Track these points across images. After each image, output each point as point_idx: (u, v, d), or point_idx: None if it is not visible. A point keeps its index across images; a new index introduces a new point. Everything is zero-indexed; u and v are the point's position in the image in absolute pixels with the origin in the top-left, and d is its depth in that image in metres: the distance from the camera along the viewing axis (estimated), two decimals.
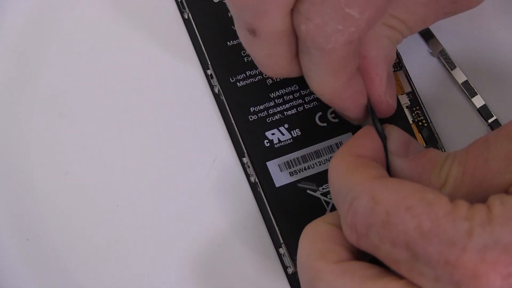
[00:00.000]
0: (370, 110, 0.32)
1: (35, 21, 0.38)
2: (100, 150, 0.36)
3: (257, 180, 0.34)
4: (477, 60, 0.37)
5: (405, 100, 0.36)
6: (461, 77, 0.36)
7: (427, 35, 0.37)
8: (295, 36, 0.30)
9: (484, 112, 0.36)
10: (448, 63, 0.36)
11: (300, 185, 0.33)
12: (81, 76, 0.37)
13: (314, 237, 0.29)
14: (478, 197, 0.27)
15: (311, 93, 0.35)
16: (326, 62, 0.29)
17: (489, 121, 0.36)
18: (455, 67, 0.36)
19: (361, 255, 0.28)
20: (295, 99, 0.35)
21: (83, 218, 0.35)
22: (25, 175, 0.36)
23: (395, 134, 0.32)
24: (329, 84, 0.31)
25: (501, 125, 0.35)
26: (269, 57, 0.31)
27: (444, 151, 0.35)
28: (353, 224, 0.27)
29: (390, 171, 0.31)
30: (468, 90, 0.36)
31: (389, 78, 0.33)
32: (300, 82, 0.35)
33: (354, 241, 0.27)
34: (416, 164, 0.30)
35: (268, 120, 0.35)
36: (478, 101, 0.36)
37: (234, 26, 0.36)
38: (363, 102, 0.32)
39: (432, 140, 0.35)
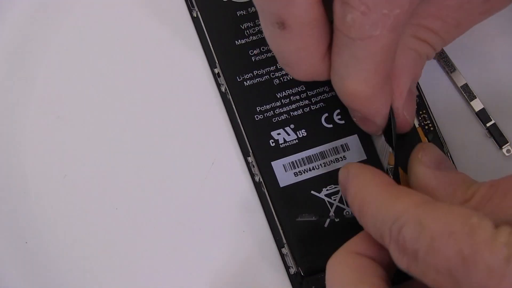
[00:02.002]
0: (391, 118, 0.32)
1: (33, 22, 0.38)
2: (99, 153, 0.36)
3: (261, 179, 0.34)
4: (477, 64, 0.37)
5: None
6: (460, 80, 0.36)
7: None
8: (327, 29, 0.30)
9: (483, 115, 0.36)
10: (448, 65, 0.36)
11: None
12: (80, 78, 0.37)
13: (346, 270, 0.28)
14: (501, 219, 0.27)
15: (318, 94, 0.35)
16: (370, 54, 0.29)
17: (487, 125, 0.36)
18: (454, 70, 0.36)
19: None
20: (301, 99, 0.35)
21: (81, 221, 0.35)
22: (23, 178, 0.36)
23: (431, 148, 0.32)
24: (368, 82, 0.30)
25: (499, 129, 0.36)
26: (299, 52, 0.30)
27: (450, 155, 0.35)
28: (403, 249, 0.26)
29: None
30: (467, 93, 0.36)
31: (410, 94, 0.33)
32: (307, 83, 0.35)
33: (404, 266, 0.27)
34: (445, 177, 0.30)
35: (274, 120, 0.35)
36: (477, 105, 0.36)
37: (242, 25, 0.36)
38: (387, 111, 0.32)
39: (438, 145, 0.35)
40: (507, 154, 0.36)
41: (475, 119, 0.36)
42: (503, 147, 0.36)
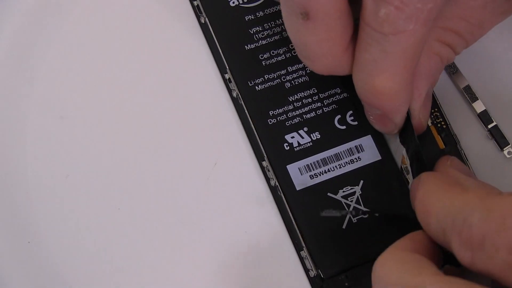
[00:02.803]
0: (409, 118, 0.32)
1: (36, 22, 0.38)
2: (102, 153, 0.36)
3: (277, 183, 0.34)
4: (479, 65, 0.37)
5: None
6: (462, 82, 0.36)
7: None
8: (350, 21, 0.30)
9: (484, 117, 0.36)
10: (450, 66, 0.36)
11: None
12: (83, 79, 0.37)
13: (399, 261, 0.28)
14: None
15: (330, 96, 0.35)
16: (402, 49, 0.29)
17: (489, 126, 0.36)
18: (457, 71, 0.36)
19: None
20: (313, 102, 0.35)
21: (84, 221, 0.35)
22: (26, 178, 0.36)
23: (457, 160, 0.33)
24: (396, 78, 0.30)
25: (500, 131, 0.35)
26: (322, 43, 0.30)
27: (464, 153, 0.35)
28: (468, 239, 0.26)
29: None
30: (469, 95, 0.36)
31: (427, 97, 0.33)
32: (319, 85, 0.35)
33: (468, 259, 0.26)
34: (476, 182, 0.30)
35: (288, 123, 0.35)
36: (479, 106, 0.36)
37: (251, 30, 0.36)
38: (407, 109, 0.32)
39: (451, 142, 0.35)
40: (508, 156, 0.36)
41: (477, 120, 0.36)
42: (504, 148, 0.35)
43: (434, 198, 0.29)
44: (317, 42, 0.30)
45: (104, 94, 0.37)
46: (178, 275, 0.34)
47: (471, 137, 0.36)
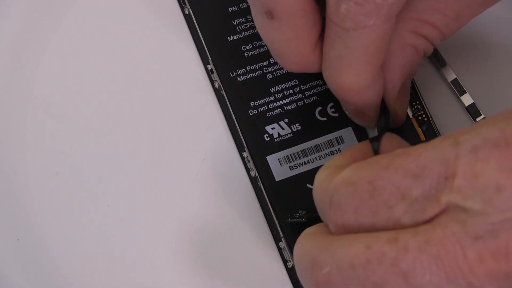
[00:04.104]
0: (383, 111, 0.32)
1: (27, 20, 0.38)
2: (90, 150, 0.36)
3: (257, 174, 0.34)
4: (467, 58, 0.37)
5: None
6: (450, 75, 0.36)
7: None
8: (317, 19, 0.30)
9: (473, 110, 0.36)
10: (438, 60, 0.36)
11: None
12: (73, 76, 0.37)
13: (306, 234, 0.28)
14: None
15: (311, 87, 0.35)
16: (364, 44, 0.29)
17: (477, 119, 0.36)
18: (445, 64, 0.36)
19: None
20: (295, 93, 0.35)
21: (73, 217, 0.35)
22: (15, 175, 0.36)
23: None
24: (362, 74, 0.30)
25: None
26: (289, 42, 0.30)
27: None
28: (339, 219, 0.26)
29: None
30: (457, 88, 0.36)
31: (404, 90, 0.33)
32: (300, 77, 0.35)
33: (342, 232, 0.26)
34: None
35: (268, 114, 0.35)
36: (467, 100, 0.36)
37: (234, 21, 0.36)
38: (379, 102, 0.32)
39: (433, 135, 0.35)
40: None
41: (465, 113, 0.36)
42: None
43: (317, 177, 0.29)
44: (284, 41, 0.30)
45: (92, 91, 0.37)
46: (165, 269, 0.34)
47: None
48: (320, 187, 0.28)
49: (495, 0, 0.32)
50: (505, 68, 0.36)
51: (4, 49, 0.37)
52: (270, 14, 0.29)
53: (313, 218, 0.31)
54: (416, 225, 0.24)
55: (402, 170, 0.25)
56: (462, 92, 0.36)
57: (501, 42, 0.37)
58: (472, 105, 0.36)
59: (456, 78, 0.36)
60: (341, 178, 0.26)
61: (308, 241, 0.27)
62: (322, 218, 0.28)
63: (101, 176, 0.36)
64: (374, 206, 0.25)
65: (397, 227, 0.25)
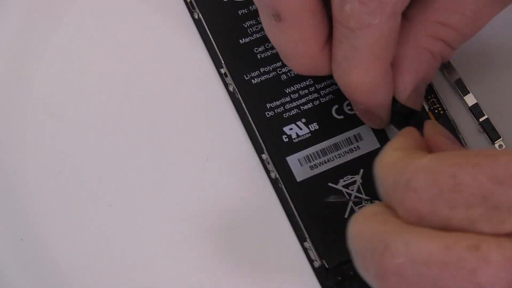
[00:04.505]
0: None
1: (28, 20, 0.38)
2: (94, 149, 0.36)
3: (277, 176, 0.34)
4: (471, 58, 0.37)
5: None
6: (454, 75, 0.36)
7: None
8: (324, 20, 0.30)
9: (476, 110, 0.36)
10: None
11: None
12: (74, 76, 0.37)
13: (370, 213, 0.27)
14: None
15: (326, 86, 0.35)
16: (370, 43, 0.29)
17: (480, 120, 0.36)
18: (448, 64, 0.36)
19: None
20: (310, 93, 0.35)
21: (76, 217, 0.35)
22: (17, 175, 0.36)
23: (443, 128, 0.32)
24: (370, 73, 0.30)
25: (492, 124, 0.35)
26: (296, 44, 0.30)
27: (463, 138, 0.35)
28: (412, 206, 0.25)
29: None
30: (461, 88, 0.36)
31: (416, 94, 0.32)
32: (315, 76, 0.35)
33: (415, 220, 0.25)
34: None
35: (285, 115, 0.35)
36: (470, 100, 0.36)
37: (245, 24, 0.36)
38: (390, 102, 0.32)
39: (449, 128, 0.35)
40: (498, 149, 0.35)
41: (468, 114, 0.36)
42: (495, 142, 0.35)
43: (383, 159, 0.28)
44: (291, 42, 0.30)
45: (97, 91, 0.37)
46: (172, 272, 0.34)
47: (463, 131, 0.36)
48: (392, 167, 0.26)
49: None
50: (509, 69, 0.36)
51: (4, 49, 0.37)
52: (277, 16, 0.29)
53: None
54: (495, 235, 0.24)
55: (490, 172, 0.24)
56: (466, 92, 0.36)
57: (505, 42, 0.37)
58: (475, 106, 0.36)
59: (459, 78, 0.36)
60: (422, 163, 0.25)
61: (377, 222, 0.26)
62: (388, 200, 0.27)
63: (103, 175, 0.36)
64: (453, 201, 0.24)
65: (471, 229, 0.24)
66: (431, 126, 0.30)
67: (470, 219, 0.24)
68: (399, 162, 0.26)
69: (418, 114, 0.33)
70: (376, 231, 0.26)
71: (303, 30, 0.30)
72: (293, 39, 0.30)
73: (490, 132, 0.35)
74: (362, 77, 0.30)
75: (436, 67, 0.32)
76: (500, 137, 0.35)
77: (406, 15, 0.31)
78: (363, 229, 0.26)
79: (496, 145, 0.35)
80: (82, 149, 0.36)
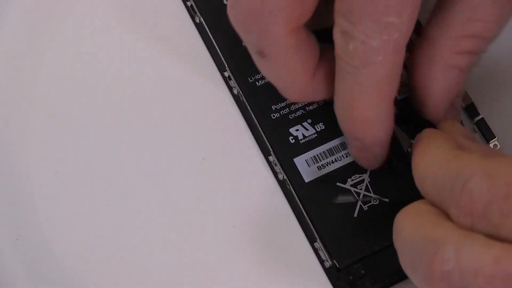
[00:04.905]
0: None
1: (28, 22, 0.38)
2: (91, 149, 0.36)
3: (285, 177, 0.34)
4: None
5: None
6: None
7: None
8: (312, 51, 0.30)
9: (471, 110, 0.36)
10: None
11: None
12: (73, 76, 0.37)
13: (420, 212, 0.27)
14: None
15: None
16: (375, 80, 0.29)
17: (475, 119, 0.35)
18: None
19: None
20: None
21: (72, 217, 0.35)
22: (14, 175, 0.36)
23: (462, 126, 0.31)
24: (374, 108, 0.30)
25: (486, 124, 0.35)
26: (283, 77, 0.31)
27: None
28: (467, 207, 0.25)
29: None
30: None
31: (453, 110, 0.32)
32: None
33: (469, 225, 0.25)
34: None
35: (291, 116, 0.35)
36: (466, 99, 0.36)
37: None
38: (389, 139, 0.32)
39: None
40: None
41: (463, 113, 0.36)
42: (490, 142, 0.35)
43: (430, 158, 0.28)
44: (278, 77, 0.31)
45: (96, 93, 0.37)
46: (172, 272, 0.34)
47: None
48: (446, 166, 0.27)
49: None
50: (504, 69, 0.36)
51: (4, 49, 0.38)
52: (261, 54, 0.30)
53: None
54: None
55: None
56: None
57: (503, 43, 0.37)
58: (471, 105, 0.36)
59: None
60: (481, 166, 0.25)
61: (428, 223, 0.26)
62: (437, 199, 0.27)
63: (100, 175, 0.36)
64: (505, 209, 0.24)
65: None
66: (450, 126, 0.30)
67: None
68: (453, 161, 0.27)
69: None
70: (427, 233, 0.26)
71: (288, 66, 0.30)
72: (279, 73, 0.31)
73: (485, 131, 0.35)
74: (366, 112, 0.30)
75: (467, 77, 0.32)
76: (495, 137, 0.35)
77: (428, 34, 0.31)
78: (413, 229, 0.27)
79: (491, 145, 0.35)
80: (79, 149, 0.36)
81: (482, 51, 0.31)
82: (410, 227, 0.27)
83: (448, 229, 0.26)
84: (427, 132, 0.30)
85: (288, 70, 0.30)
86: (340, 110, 0.31)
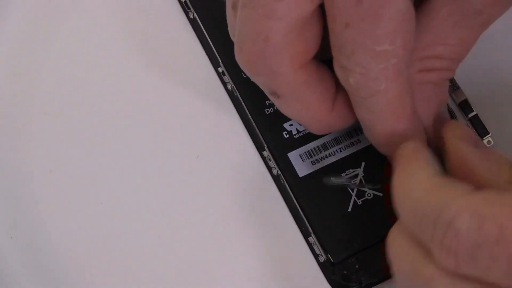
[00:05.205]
0: None
1: (27, 22, 0.38)
2: (84, 148, 0.36)
3: (279, 172, 0.34)
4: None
5: None
6: None
7: None
8: (327, 83, 0.30)
9: (465, 106, 0.36)
10: None
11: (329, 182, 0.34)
12: (68, 74, 0.37)
13: (401, 246, 0.27)
14: None
15: None
16: (385, 105, 0.29)
17: (469, 116, 0.35)
18: None
19: None
20: None
21: (66, 216, 0.35)
22: (8, 173, 0.36)
23: (464, 126, 0.31)
24: (396, 127, 0.30)
25: (480, 120, 0.35)
26: (301, 113, 0.31)
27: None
28: (452, 246, 0.24)
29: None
30: (451, 84, 0.36)
31: (441, 118, 0.32)
32: None
33: (452, 266, 0.24)
34: (487, 155, 0.28)
35: None
36: (460, 95, 0.36)
37: None
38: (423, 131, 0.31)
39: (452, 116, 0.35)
40: (488, 146, 0.35)
41: (457, 109, 0.36)
42: (484, 138, 0.35)
43: (412, 182, 0.27)
44: (297, 113, 0.31)
45: (91, 91, 0.37)
46: (171, 271, 0.34)
47: None
48: (431, 197, 0.25)
49: (495, 17, 0.30)
50: (498, 66, 0.36)
51: (1, 49, 0.38)
52: (275, 94, 0.30)
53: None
54: None
55: None
56: (455, 88, 0.36)
57: (501, 43, 0.37)
58: (465, 101, 0.36)
59: None
60: (468, 203, 0.24)
61: (415, 262, 0.26)
62: (419, 230, 0.26)
63: (94, 174, 0.36)
64: (496, 254, 0.23)
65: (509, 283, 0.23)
66: (452, 129, 0.30)
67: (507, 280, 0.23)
68: (438, 192, 0.25)
69: None
70: (416, 273, 0.25)
71: (303, 102, 0.30)
72: (297, 111, 0.31)
73: (479, 128, 0.35)
74: (387, 132, 0.30)
75: (444, 90, 0.32)
76: (488, 133, 0.35)
77: None
78: (402, 262, 0.27)
79: (485, 141, 0.35)
80: (73, 148, 0.36)
81: (451, 68, 0.31)
82: (397, 261, 0.27)
83: (435, 274, 0.25)
84: (410, 147, 0.29)
85: (305, 106, 0.30)
86: (365, 132, 0.31)
